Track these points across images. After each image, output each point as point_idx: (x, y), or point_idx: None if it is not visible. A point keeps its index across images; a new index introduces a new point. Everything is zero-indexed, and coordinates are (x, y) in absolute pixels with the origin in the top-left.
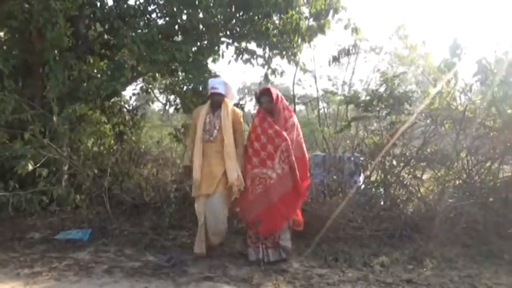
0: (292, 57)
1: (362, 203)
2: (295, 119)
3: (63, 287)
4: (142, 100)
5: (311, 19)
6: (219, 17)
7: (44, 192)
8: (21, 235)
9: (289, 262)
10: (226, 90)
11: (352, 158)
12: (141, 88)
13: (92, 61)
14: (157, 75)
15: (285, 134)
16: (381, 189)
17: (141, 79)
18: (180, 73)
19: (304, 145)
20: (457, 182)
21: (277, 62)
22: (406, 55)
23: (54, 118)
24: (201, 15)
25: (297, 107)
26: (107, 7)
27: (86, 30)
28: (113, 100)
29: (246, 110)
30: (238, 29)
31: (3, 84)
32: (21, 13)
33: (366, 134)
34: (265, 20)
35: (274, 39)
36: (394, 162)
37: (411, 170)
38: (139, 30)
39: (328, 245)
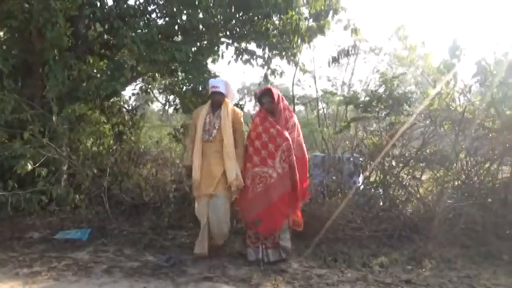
0: (292, 58)
1: (361, 203)
2: (295, 119)
3: (62, 286)
4: (142, 100)
5: (311, 20)
6: (218, 17)
7: (43, 192)
8: (20, 235)
9: (289, 262)
10: (227, 90)
11: (351, 159)
12: (141, 88)
13: (91, 61)
14: (156, 75)
15: (286, 133)
16: (380, 190)
17: (140, 79)
18: (179, 73)
19: (304, 145)
20: (456, 183)
21: (277, 63)
22: (405, 56)
23: (54, 118)
24: (201, 15)
25: (297, 108)
26: (106, 7)
27: (85, 30)
28: (112, 100)
29: (245, 110)
30: (238, 30)
31: (3, 83)
32: (21, 13)
33: (365, 135)
34: (265, 20)
35: (274, 40)
36: (393, 163)
37: (410, 170)
38: (139, 30)
39: (327, 245)
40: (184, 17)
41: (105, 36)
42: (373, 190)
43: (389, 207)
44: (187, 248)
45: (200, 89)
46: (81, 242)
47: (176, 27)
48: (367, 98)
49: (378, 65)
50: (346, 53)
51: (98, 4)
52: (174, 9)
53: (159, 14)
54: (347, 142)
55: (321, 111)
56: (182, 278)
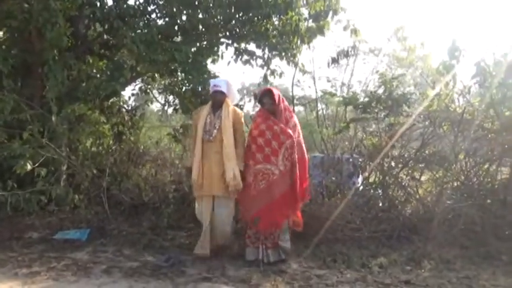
0: (292, 58)
1: (360, 204)
2: (295, 119)
3: (61, 287)
4: (141, 100)
5: (310, 20)
6: (218, 17)
7: (43, 192)
8: (19, 235)
9: (288, 263)
10: (228, 90)
11: (350, 160)
12: (140, 88)
13: (91, 61)
14: (156, 75)
15: (290, 131)
16: (379, 191)
17: (140, 79)
18: (179, 73)
19: (303, 146)
20: (455, 184)
21: (277, 63)
22: (404, 57)
23: (53, 118)
24: (200, 15)
25: (296, 108)
26: (106, 7)
27: (85, 30)
28: (112, 100)
29: (245, 110)
30: (237, 30)
31: (2, 83)
32: (20, 13)
33: (364, 136)
34: (265, 21)
35: (274, 40)
36: (393, 164)
37: (409, 171)
38: (139, 31)
39: (326, 246)
40: (184, 17)
41: (105, 36)
42: (372, 191)
43: (389, 208)
44: (186, 249)
45: (200, 89)
46: (80, 242)
47: (176, 27)
48: (366, 99)
49: (377, 65)
50: (346, 54)
51: (98, 4)
52: (174, 10)
53: (158, 14)
54: (346, 143)
55: (320, 112)
56: (181, 278)
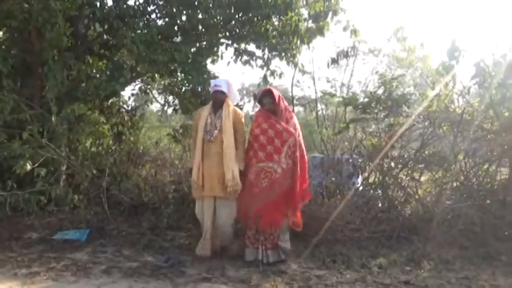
0: (291, 59)
1: (360, 204)
2: (295, 120)
3: (60, 287)
4: (141, 101)
5: (310, 21)
6: (218, 18)
7: (42, 192)
8: (18, 235)
9: (288, 263)
10: (228, 90)
11: (350, 160)
12: (140, 88)
13: (91, 61)
14: (156, 75)
15: (291, 129)
16: (379, 191)
17: (139, 80)
18: (179, 74)
19: (303, 146)
20: (455, 184)
21: (276, 64)
22: (404, 57)
23: (53, 118)
24: (200, 16)
25: (296, 109)
26: (106, 7)
27: (85, 30)
28: (111, 100)
29: (244, 111)
30: (237, 30)
31: (2, 83)
32: (20, 13)
33: (364, 136)
34: (265, 21)
35: (274, 41)
36: (392, 164)
37: (409, 172)
38: (139, 31)
39: (326, 246)
40: (183, 18)
41: (105, 37)
42: (372, 191)
43: (388, 209)
44: (186, 249)
45: (199, 89)
46: (79, 243)
47: (176, 27)
48: (366, 99)
49: (377, 66)
50: (345, 54)
51: (98, 4)
52: (174, 10)
53: (158, 15)
54: (346, 143)
55: (320, 112)
56: (181, 278)
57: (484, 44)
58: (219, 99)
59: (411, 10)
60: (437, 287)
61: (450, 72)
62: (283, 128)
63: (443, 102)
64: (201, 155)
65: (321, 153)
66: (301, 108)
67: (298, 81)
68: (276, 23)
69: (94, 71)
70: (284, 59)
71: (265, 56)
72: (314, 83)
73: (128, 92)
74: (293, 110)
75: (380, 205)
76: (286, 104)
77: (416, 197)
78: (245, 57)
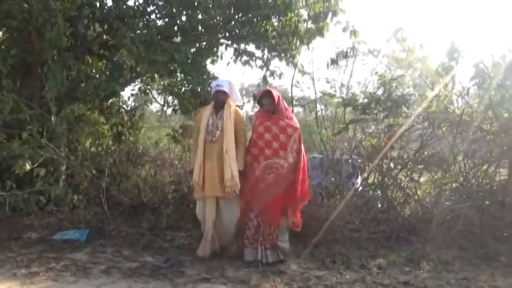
0: (291, 59)
1: (359, 205)
2: (295, 120)
3: (60, 287)
4: (141, 101)
5: (310, 21)
6: (218, 18)
7: (42, 192)
8: (18, 235)
9: (287, 264)
10: (230, 90)
11: (349, 160)
12: (140, 89)
13: (90, 61)
14: (155, 76)
15: (294, 124)
16: (378, 192)
17: (139, 80)
18: (178, 74)
19: (303, 147)
20: (454, 185)
21: (276, 64)
22: (403, 58)
23: (53, 118)
24: (200, 16)
25: (295, 109)
26: (106, 7)
27: (85, 31)
28: (111, 100)
29: (244, 111)
30: (237, 31)
31: (2, 83)
32: (20, 13)
33: (363, 137)
34: (264, 22)
35: (273, 41)
36: (392, 165)
37: (408, 172)
38: (139, 31)
39: (325, 247)
40: (183, 18)
41: (104, 37)
42: (371, 192)
43: (388, 209)
44: (185, 249)
45: (199, 89)
46: (79, 243)
47: (175, 28)
48: (365, 100)
49: (377, 67)
50: (345, 55)
51: (98, 4)
52: (174, 10)
53: (158, 15)
54: (345, 144)
55: (319, 113)
56: (180, 279)
57: (484, 45)
58: (220, 100)
59: (411, 11)
60: (437, 287)
61: (449, 73)
62: (287, 123)
63: (442, 103)
64: (202, 156)
65: (321, 154)
66: (300, 109)
67: (297, 81)
68: (276, 24)
69: (94, 71)
70: (284, 59)
71: (265, 57)
72: (313, 84)
73: (127, 92)
74: (292, 111)
75: (379, 206)
76: (286, 104)
77: (416, 197)
78: (245, 58)
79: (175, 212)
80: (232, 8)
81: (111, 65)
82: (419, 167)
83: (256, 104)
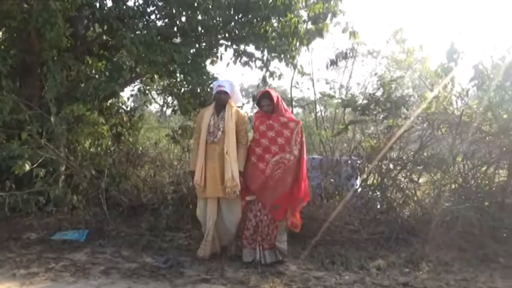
0: (291, 60)
1: (359, 206)
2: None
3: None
4: (140, 101)
5: (309, 22)
6: (218, 19)
7: (41, 193)
8: (17, 235)
9: (286, 265)
10: (231, 90)
11: (349, 161)
12: (139, 89)
13: (90, 62)
14: (155, 76)
15: (295, 118)
16: (378, 193)
17: (139, 80)
18: (178, 75)
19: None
20: (453, 186)
21: (276, 65)
22: (403, 59)
23: (52, 118)
24: (200, 17)
25: (295, 110)
26: (106, 8)
27: (84, 31)
28: (110, 101)
29: (243, 111)
30: (237, 32)
31: (1, 84)
32: (20, 13)
33: (363, 138)
34: (264, 23)
35: (273, 42)
36: (391, 166)
37: (408, 173)
38: (138, 32)
39: (325, 247)
40: (183, 19)
41: (104, 37)
42: (370, 193)
43: (387, 210)
44: (185, 250)
45: (198, 90)
46: (78, 243)
47: (175, 28)
48: (365, 101)
49: (376, 68)
50: (344, 56)
51: (97, 5)
52: (173, 11)
53: (158, 16)
54: (345, 145)
55: (318, 114)
56: (180, 279)
57: (483, 46)
58: (222, 100)
59: (410, 12)
60: None
61: (449, 74)
62: (288, 118)
63: (442, 104)
64: (204, 157)
65: (320, 155)
66: (300, 110)
67: (297, 82)
68: (276, 25)
69: (93, 71)
70: (283, 60)
71: (265, 58)
72: (313, 85)
73: (127, 93)
74: (292, 112)
75: (379, 207)
76: (285, 105)
77: (415, 198)
78: (244, 59)
79: (174, 213)
80: (232, 9)
81: (110, 65)
82: (418, 168)
83: (255, 105)
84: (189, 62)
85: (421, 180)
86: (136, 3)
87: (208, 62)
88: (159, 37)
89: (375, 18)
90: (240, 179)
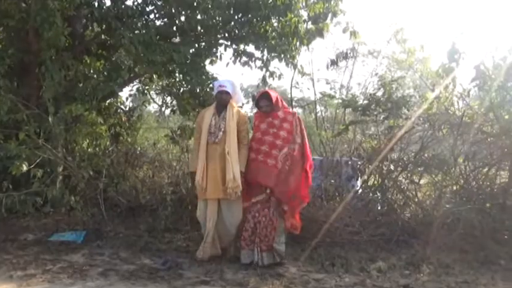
0: (291, 60)
1: (359, 207)
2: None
3: None
4: (139, 101)
5: (309, 22)
6: (217, 18)
7: (38, 193)
8: (14, 237)
9: (286, 267)
10: (233, 90)
11: (349, 162)
12: (138, 89)
13: (88, 61)
14: (154, 76)
15: (291, 110)
16: (378, 194)
17: (137, 80)
18: (177, 74)
19: None
20: (455, 188)
21: (275, 65)
22: (404, 59)
23: (50, 118)
24: (199, 16)
25: (294, 110)
26: (104, 7)
27: (83, 30)
28: (109, 101)
29: (243, 112)
30: (236, 31)
31: None
32: (18, 12)
33: (363, 138)
34: (264, 22)
35: (273, 42)
36: (392, 167)
37: (408, 174)
38: (137, 31)
39: (325, 249)
40: (182, 18)
41: (103, 37)
42: (371, 194)
43: (388, 212)
44: (184, 251)
45: (198, 90)
46: (76, 245)
47: (174, 28)
48: (365, 101)
49: (377, 68)
50: (345, 56)
51: (96, 4)
52: (173, 10)
53: (157, 15)
54: (345, 145)
55: (319, 114)
56: (179, 281)
57: (484, 46)
58: (223, 100)
59: (411, 12)
60: None
61: (450, 74)
62: (284, 112)
63: (443, 104)
64: (205, 157)
65: (320, 156)
66: (300, 110)
67: (297, 82)
68: (276, 24)
69: (92, 71)
70: (283, 60)
71: (265, 57)
72: (313, 85)
73: (125, 93)
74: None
75: (379, 208)
76: (285, 104)
77: (416, 200)
78: (244, 59)
79: (173, 214)
80: (232, 9)
81: (109, 65)
82: (419, 169)
83: (254, 106)
84: (188, 61)
85: (422, 182)
86: (135, 3)
87: (207, 61)
88: (158, 37)
89: (376, 18)
90: (242, 180)
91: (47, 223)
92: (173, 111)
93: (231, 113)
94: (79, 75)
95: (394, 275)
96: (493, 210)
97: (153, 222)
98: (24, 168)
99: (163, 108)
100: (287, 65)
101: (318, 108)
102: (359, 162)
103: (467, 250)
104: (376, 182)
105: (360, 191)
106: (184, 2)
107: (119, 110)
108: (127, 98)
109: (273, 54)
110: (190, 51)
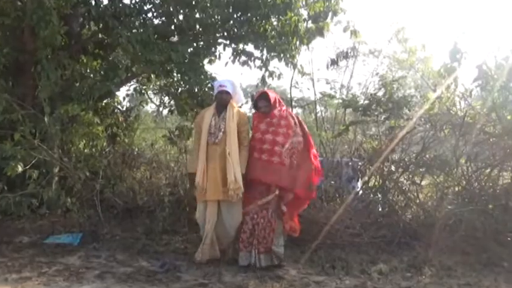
0: (290, 60)
1: (360, 209)
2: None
3: None
4: (136, 101)
5: (310, 21)
6: (216, 17)
7: (34, 195)
8: (9, 239)
9: (286, 269)
10: (233, 90)
11: (350, 163)
12: (135, 89)
13: (85, 61)
14: (152, 76)
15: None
16: (379, 195)
17: (135, 80)
18: (175, 74)
19: None
20: (457, 189)
21: (275, 65)
22: (405, 59)
23: (46, 119)
24: (197, 15)
25: (294, 110)
26: (101, 6)
27: (79, 29)
28: (106, 101)
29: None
30: (235, 30)
31: None
32: (13, 10)
33: (364, 139)
34: (264, 21)
35: (272, 41)
36: (393, 168)
37: (410, 175)
38: (135, 30)
39: (325, 251)
40: (181, 17)
41: (100, 36)
42: (372, 195)
43: (389, 213)
44: (182, 254)
45: (196, 90)
46: (72, 247)
47: (173, 27)
48: (366, 101)
49: (378, 67)
50: (345, 55)
51: (93, 3)
52: (171, 9)
53: (155, 14)
54: (346, 146)
55: (319, 115)
56: (177, 284)
57: (487, 46)
58: (223, 100)
59: (413, 11)
60: None
61: (452, 74)
62: (281, 110)
63: (444, 104)
64: (205, 158)
65: (320, 156)
66: (300, 110)
67: (297, 82)
68: (275, 23)
69: (88, 70)
70: (283, 59)
71: (264, 57)
72: (313, 85)
73: (122, 93)
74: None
75: (380, 210)
76: (282, 104)
77: (417, 201)
78: (243, 58)
79: (171, 216)
80: (231, 7)
81: (106, 64)
82: (421, 170)
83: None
84: (186, 61)
85: (423, 183)
86: (133, 1)
87: (206, 61)
88: (155, 36)
89: (377, 17)
90: (243, 182)
91: (42, 225)
92: (171, 112)
93: (231, 113)
94: (75, 74)
95: (395, 278)
96: (495, 212)
97: (151, 224)
98: (20, 169)
99: (161, 108)
100: (287, 64)
101: (318, 108)
102: (360, 163)
103: (470, 252)
104: (377, 183)
105: (361, 192)
106: (182, 0)
107: (116, 110)
108: (124, 98)
109: (272, 54)
110: (189, 50)
